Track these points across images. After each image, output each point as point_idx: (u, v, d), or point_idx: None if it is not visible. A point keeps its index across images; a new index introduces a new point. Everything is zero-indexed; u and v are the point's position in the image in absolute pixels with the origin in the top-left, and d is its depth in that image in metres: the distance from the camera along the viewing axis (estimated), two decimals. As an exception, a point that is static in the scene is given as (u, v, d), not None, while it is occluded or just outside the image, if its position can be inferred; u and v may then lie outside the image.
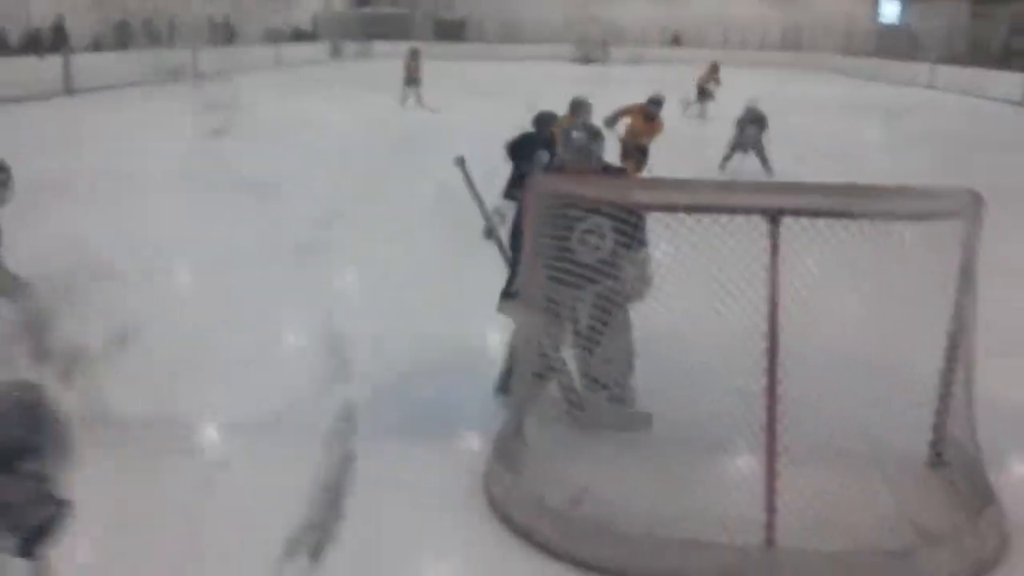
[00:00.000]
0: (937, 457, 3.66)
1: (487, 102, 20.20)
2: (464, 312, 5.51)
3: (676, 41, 43.34)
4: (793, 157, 11.72)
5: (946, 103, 24.46)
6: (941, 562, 3.02)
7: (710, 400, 3.36)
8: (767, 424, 3.09)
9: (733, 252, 3.21)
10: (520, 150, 6.57)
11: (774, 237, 3.12)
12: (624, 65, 35.59)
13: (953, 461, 3.54)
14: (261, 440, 3.95)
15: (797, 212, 3.22)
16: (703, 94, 18.49)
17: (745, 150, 11.20)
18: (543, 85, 26.67)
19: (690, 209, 3.18)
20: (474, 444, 3.89)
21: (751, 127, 11.14)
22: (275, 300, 5.93)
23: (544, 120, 6.60)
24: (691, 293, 3.44)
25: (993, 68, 27.41)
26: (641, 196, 3.68)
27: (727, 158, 11.29)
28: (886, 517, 3.18)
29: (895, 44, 37.13)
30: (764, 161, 11.08)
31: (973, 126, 19.11)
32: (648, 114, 9.80)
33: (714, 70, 19.04)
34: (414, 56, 18.63)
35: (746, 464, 3.28)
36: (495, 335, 4.85)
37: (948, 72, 29.44)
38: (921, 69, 30.60)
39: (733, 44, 41.42)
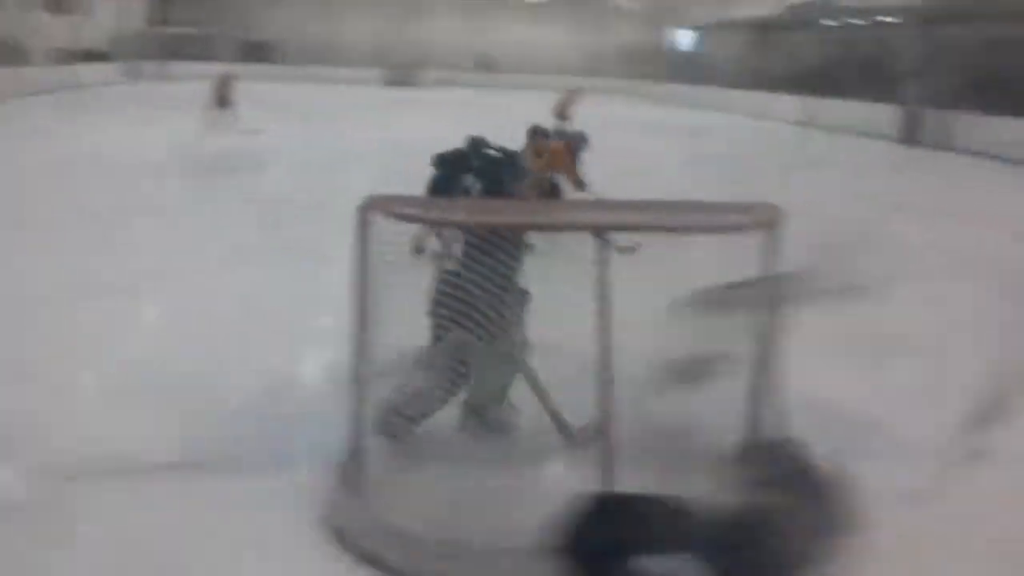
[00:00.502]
0: (749, 449, 3.92)
1: (305, 124, 19.92)
2: (297, 339, 5.38)
3: (485, 65, 44.32)
4: (604, 175, 12.27)
5: (736, 124, 26.39)
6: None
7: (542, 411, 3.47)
8: (603, 428, 3.24)
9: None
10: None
11: (602, 252, 3.29)
12: (436, 88, 36.02)
13: (767, 453, 3.79)
14: (107, 478, 3.70)
15: (623, 227, 3.41)
16: (563, 119, 19.19)
17: None
18: (357, 107, 26.61)
19: (524, 227, 3.29)
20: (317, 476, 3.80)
21: None
22: (101, 338, 5.56)
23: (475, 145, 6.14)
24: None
25: (773, 92, 29.86)
26: (473, 216, 3.71)
27: None
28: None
29: (687, 69, 39.64)
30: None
31: (760, 145, 20.68)
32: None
33: (572, 98, 19.71)
34: (225, 80, 17.96)
35: (588, 470, 3.40)
36: (329, 360, 4.77)
37: (735, 95, 31.77)
38: (711, 93, 32.84)
39: (540, 69, 42.84)
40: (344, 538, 3.32)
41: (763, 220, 3.48)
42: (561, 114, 19.25)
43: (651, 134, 21.31)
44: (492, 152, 4.12)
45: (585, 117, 15.67)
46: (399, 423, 3.87)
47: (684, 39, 43.18)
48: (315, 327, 5.81)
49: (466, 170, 4.07)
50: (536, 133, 8.90)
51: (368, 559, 3.20)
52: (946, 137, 20.57)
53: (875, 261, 7.40)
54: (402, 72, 39.94)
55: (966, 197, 14.03)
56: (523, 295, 3.83)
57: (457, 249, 3.61)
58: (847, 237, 8.06)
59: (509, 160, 4.05)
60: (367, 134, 19.26)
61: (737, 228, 3.38)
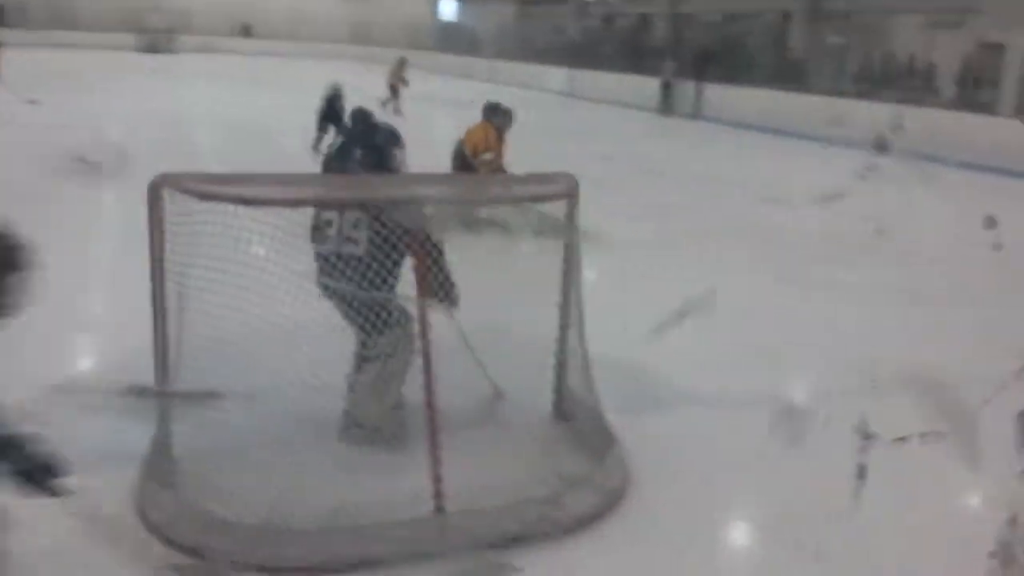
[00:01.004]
0: (561, 411, 4.15)
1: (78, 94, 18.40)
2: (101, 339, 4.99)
3: (247, 32, 42.49)
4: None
5: (505, 95, 26.95)
6: (582, 501, 3.44)
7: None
8: (427, 401, 3.29)
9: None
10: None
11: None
12: (194, 55, 34.09)
13: (577, 413, 4.02)
14: None
15: (442, 201, 3.46)
16: (394, 91, 19.12)
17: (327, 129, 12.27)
18: (114, 76, 24.69)
19: (330, 204, 3.25)
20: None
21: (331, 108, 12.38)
22: None
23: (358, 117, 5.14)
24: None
25: (539, 63, 30.79)
26: (274, 192, 3.59)
27: (318, 140, 12.21)
28: (534, 469, 3.55)
29: (455, 40, 40.00)
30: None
31: (533, 114, 21.27)
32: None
33: (401, 67, 19.49)
34: None
35: (412, 443, 3.44)
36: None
37: (504, 67, 32.42)
38: (480, 64, 33.32)
39: (305, 37, 41.67)
40: (159, 530, 3.17)
41: (566, 189, 3.67)
42: (394, 87, 19.05)
43: (425, 105, 21.33)
44: (380, 124, 4.02)
45: (354, 88, 15.49)
46: (380, 416, 3.75)
47: (451, 9, 43.49)
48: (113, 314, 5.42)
49: (356, 142, 3.91)
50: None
51: (184, 548, 3.08)
52: (696, 107, 22.18)
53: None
54: (156, 38, 37.42)
55: (706, 160, 15.25)
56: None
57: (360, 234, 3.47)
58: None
59: (392, 132, 3.94)
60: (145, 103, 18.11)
61: (544, 197, 3.53)
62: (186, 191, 3.23)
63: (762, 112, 19.78)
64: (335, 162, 3.94)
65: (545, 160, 5.82)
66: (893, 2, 20.80)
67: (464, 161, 7.97)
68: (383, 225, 3.32)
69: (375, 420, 3.74)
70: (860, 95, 19.01)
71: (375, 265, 3.38)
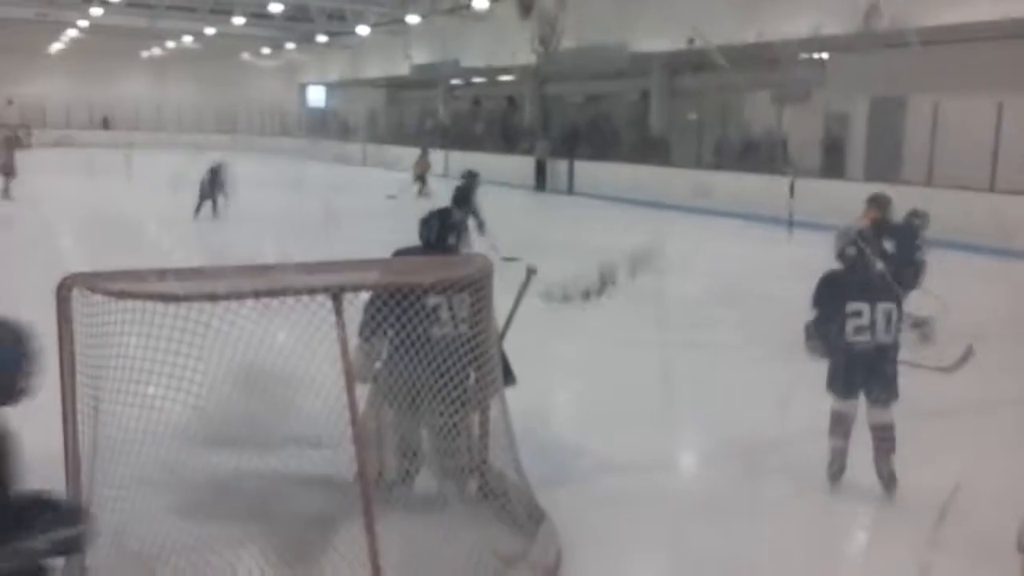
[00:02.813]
0: (486, 490, 4.14)
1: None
2: None
3: (105, 123, 41.40)
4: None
5: (377, 177, 27.20)
6: (521, 578, 3.44)
7: (299, 479, 3.38)
8: (363, 493, 3.23)
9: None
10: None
11: (339, 313, 3.31)
12: (50, 149, 32.93)
13: (505, 492, 4.02)
14: None
15: (357, 288, 3.46)
16: (422, 179, 21.54)
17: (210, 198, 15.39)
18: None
19: (259, 294, 3.20)
20: None
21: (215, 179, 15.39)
22: None
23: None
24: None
25: (413, 147, 31.21)
26: (191, 287, 3.52)
27: (198, 208, 15.26)
28: (472, 551, 3.52)
29: (325, 127, 40.13)
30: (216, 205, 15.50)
31: (406, 196, 21.47)
32: None
33: (425, 156, 22.25)
34: None
35: (347, 531, 3.36)
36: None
37: (378, 151, 32.74)
38: (353, 149, 33.52)
39: (168, 126, 40.95)
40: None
41: (484, 269, 3.75)
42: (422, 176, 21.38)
43: (293, 190, 21.18)
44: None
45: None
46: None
47: (317, 95, 43.64)
48: None
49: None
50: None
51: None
52: (570, 183, 22.93)
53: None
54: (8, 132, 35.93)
55: (583, 232, 15.74)
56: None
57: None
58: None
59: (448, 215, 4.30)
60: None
61: (469, 280, 3.59)
62: (99, 291, 3.13)
63: (630, 186, 20.62)
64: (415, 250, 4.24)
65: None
66: (740, 79, 22.22)
67: None
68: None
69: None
70: (719, 167, 20.11)
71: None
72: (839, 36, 16.53)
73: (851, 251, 4.47)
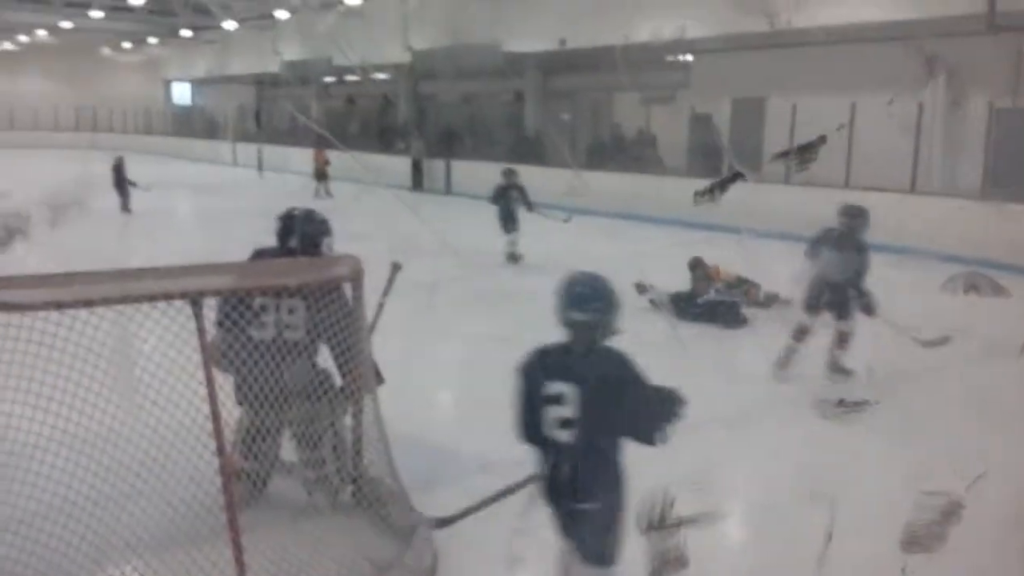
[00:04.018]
0: (359, 497, 4.07)
1: None
2: None
3: (-51, 121, 38.84)
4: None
5: (249, 178, 26.51)
6: (396, 584, 3.40)
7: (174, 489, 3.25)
8: (226, 501, 3.13)
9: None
10: None
11: (198, 318, 3.20)
12: None
13: (380, 497, 3.97)
14: None
15: (217, 292, 3.35)
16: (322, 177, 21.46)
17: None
18: None
19: (110, 301, 3.05)
20: None
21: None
22: None
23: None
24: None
25: (284, 145, 30.53)
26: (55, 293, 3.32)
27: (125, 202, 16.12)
28: (344, 559, 3.46)
29: (192, 124, 38.74)
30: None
31: (282, 196, 20.98)
32: None
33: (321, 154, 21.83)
34: None
35: (212, 546, 3.24)
36: None
37: (248, 150, 31.83)
38: (223, 147, 32.47)
39: (23, 125, 38.75)
40: None
41: (352, 271, 3.68)
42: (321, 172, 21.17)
43: (165, 192, 20.40)
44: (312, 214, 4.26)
45: (81, 176, 14.92)
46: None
47: (183, 92, 42.12)
48: None
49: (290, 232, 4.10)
50: None
51: None
52: (445, 182, 22.90)
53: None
54: None
55: (461, 233, 15.76)
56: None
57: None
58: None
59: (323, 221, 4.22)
60: None
61: (332, 280, 3.53)
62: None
63: (507, 185, 20.72)
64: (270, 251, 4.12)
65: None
66: (610, 80, 22.74)
67: None
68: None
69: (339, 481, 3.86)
70: (592, 166, 20.48)
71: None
72: (703, 39, 17.13)
73: None
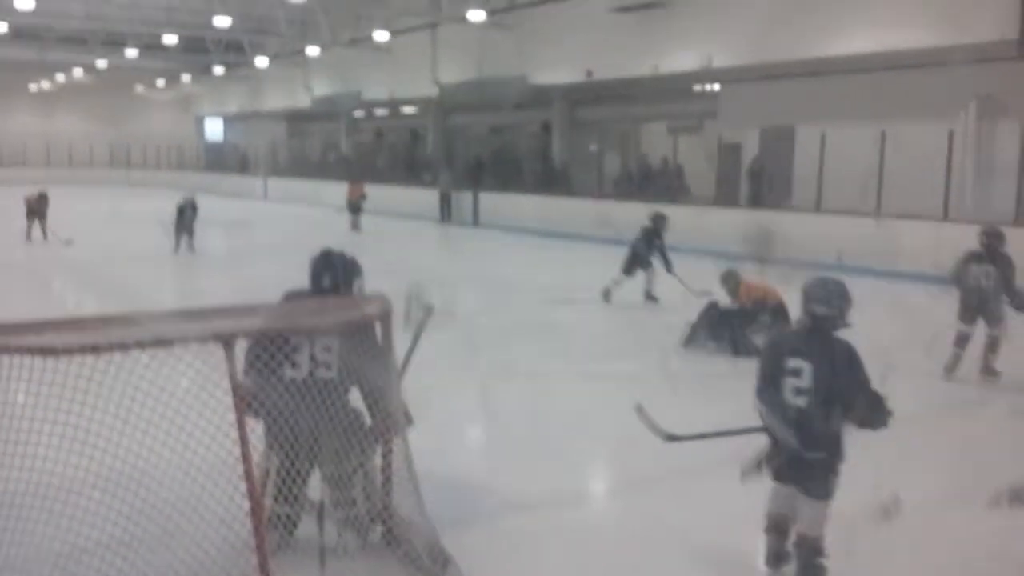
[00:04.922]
0: (389, 538, 4.05)
1: None
2: None
3: (-11, 159, 39.71)
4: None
5: (280, 213, 26.79)
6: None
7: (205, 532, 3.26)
8: (256, 543, 3.14)
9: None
10: None
11: (230, 360, 3.23)
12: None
13: (409, 538, 3.94)
14: None
15: (250, 333, 3.38)
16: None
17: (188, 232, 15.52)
18: None
19: (143, 344, 3.08)
20: None
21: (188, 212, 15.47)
22: None
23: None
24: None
25: (315, 179, 30.90)
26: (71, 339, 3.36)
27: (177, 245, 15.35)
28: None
29: (224, 160, 39.34)
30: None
31: (312, 229, 21.16)
32: None
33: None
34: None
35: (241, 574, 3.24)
36: None
37: (280, 184, 32.27)
38: (255, 182, 32.95)
39: (58, 162, 39.55)
40: None
41: (385, 310, 3.71)
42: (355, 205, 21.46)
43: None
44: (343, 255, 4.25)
45: (115, 211, 15.12)
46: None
47: (215, 128, 42.85)
48: None
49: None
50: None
51: None
52: (475, 215, 23.02)
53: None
54: None
55: (488, 265, 15.82)
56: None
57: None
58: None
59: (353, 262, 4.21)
60: None
61: (363, 320, 3.55)
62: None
63: (534, 217, 20.82)
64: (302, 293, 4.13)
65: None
66: (637, 111, 22.80)
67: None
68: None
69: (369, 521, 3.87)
70: (619, 197, 20.49)
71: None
72: (730, 68, 17.15)
73: None
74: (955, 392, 7.38)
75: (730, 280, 8.43)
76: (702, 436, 4.11)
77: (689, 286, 10.21)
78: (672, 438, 4.06)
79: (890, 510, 4.39)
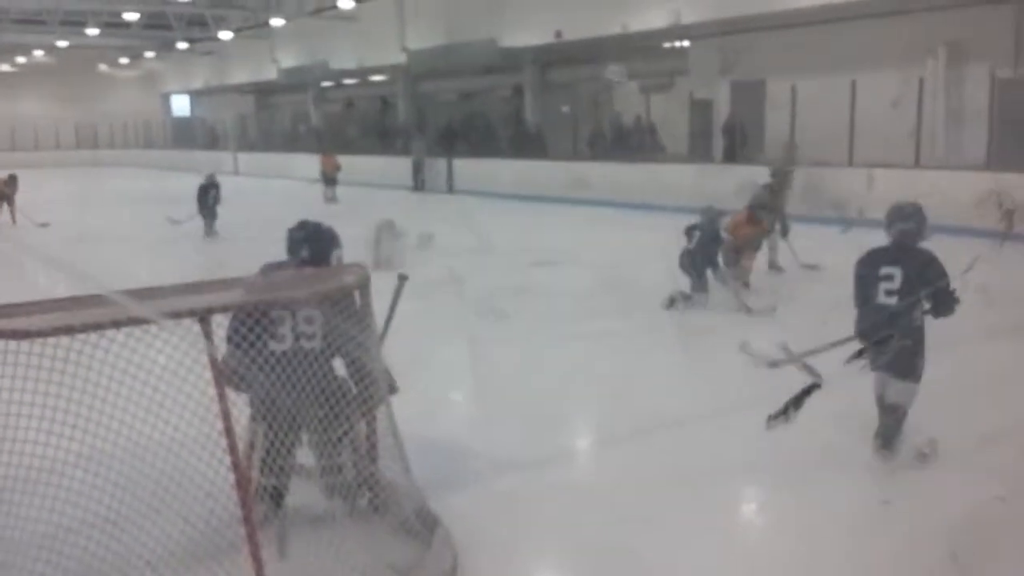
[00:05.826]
0: (376, 503, 4.06)
1: None
2: None
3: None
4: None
5: (254, 186, 26.51)
6: (417, 589, 3.39)
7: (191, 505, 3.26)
8: (244, 515, 3.14)
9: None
10: None
11: (208, 336, 3.21)
12: None
13: (397, 502, 3.96)
14: None
15: (226, 308, 3.34)
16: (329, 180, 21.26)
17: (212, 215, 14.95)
18: None
19: (119, 324, 3.04)
20: None
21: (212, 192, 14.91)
22: None
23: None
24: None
25: (286, 152, 30.59)
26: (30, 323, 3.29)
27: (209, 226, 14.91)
28: (365, 567, 3.45)
29: (192, 136, 38.81)
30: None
31: (289, 202, 20.97)
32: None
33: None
34: None
35: (232, 561, 3.24)
36: None
37: (250, 158, 31.91)
38: (225, 157, 32.56)
39: (24, 146, 38.90)
40: None
41: (362, 277, 3.70)
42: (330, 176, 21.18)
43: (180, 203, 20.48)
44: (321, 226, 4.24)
45: (85, 193, 14.89)
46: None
47: (181, 104, 42.24)
48: None
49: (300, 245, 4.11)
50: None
51: None
52: (449, 182, 22.90)
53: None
54: None
55: (467, 231, 15.73)
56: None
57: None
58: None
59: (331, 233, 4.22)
60: None
61: (340, 291, 3.53)
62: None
63: (509, 181, 20.74)
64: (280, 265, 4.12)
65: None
66: (608, 70, 22.66)
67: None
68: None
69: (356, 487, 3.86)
70: (594, 158, 20.45)
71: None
72: (699, 23, 17.06)
73: None
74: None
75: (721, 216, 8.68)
76: (800, 356, 5.04)
77: (797, 256, 9.95)
78: (774, 364, 5.10)
79: (926, 453, 4.51)
